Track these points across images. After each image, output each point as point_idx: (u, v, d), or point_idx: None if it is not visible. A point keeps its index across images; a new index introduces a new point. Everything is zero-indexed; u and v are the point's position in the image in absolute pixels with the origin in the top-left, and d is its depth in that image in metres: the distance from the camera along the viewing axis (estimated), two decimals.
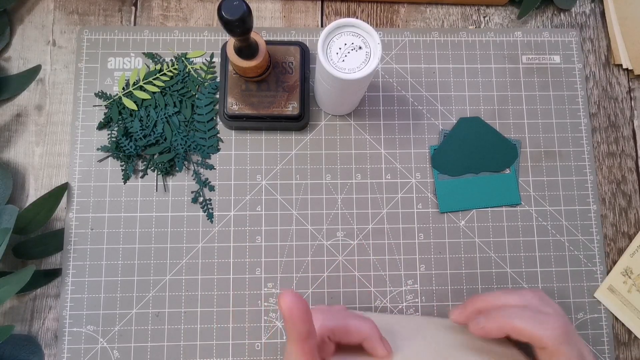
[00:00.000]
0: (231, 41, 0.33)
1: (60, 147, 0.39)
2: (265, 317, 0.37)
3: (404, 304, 0.38)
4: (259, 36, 0.34)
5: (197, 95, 0.39)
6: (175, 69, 0.39)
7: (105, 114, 0.39)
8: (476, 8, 0.43)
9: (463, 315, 0.31)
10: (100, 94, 0.39)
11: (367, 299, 0.37)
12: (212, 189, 0.38)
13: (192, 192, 0.38)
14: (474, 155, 0.39)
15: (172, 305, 0.37)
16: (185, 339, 0.36)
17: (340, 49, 0.31)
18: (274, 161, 0.39)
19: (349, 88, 0.33)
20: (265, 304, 0.37)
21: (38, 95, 0.39)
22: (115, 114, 0.38)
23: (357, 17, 0.42)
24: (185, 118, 0.39)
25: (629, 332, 0.38)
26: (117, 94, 0.39)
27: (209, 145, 0.39)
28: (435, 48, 0.41)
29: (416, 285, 0.38)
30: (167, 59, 0.40)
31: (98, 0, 0.41)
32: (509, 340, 0.30)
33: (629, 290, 0.37)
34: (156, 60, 0.40)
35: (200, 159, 0.39)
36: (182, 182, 0.38)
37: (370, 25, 0.39)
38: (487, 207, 0.39)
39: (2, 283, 0.32)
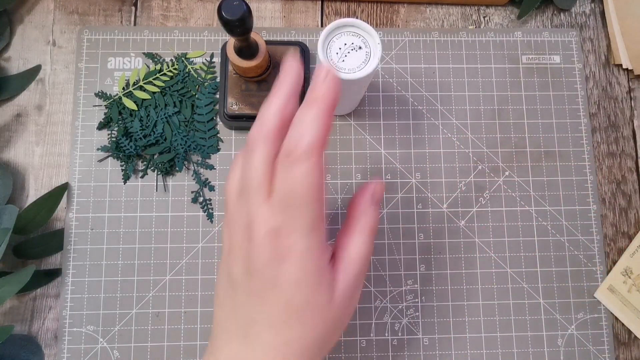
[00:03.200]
0: (231, 41, 0.33)
1: (60, 147, 0.39)
2: None
3: (404, 304, 0.38)
4: (259, 36, 0.34)
5: (197, 95, 0.39)
6: (175, 69, 0.39)
7: (105, 114, 0.39)
8: (476, 8, 0.43)
9: None
10: (100, 94, 0.39)
11: (367, 299, 0.37)
12: (212, 189, 0.38)
13: (192, 192, 0.38)
14: None
15: (172, 305, 0.37)
16: (185, 339, 0.36)
17: (340, 49, 0.31)
18: None
19: (349, 88, 0.33)
20: None
21: (38, 95, 0.39)
22: (115, 114, 0.38)
23: (357, 17, 0.42)
24: (185, 118, 0.39)
25: (629, 332, 0.38)
26: (117, 94, 0.39)
27: (209, 145, 0.39)
28: (435, 48, 0.41)
29: (416, 285, 0.38)
30: (167, 59, 0.40)
31: (98, 0, 0.41)
32: None
33: (629, 290, 0.37)
34: (156, 60, 0.40)
35: (200, 159, 0.39)
36: (182, 182, 0.38)
37: (370, 25, 0.39)
38: None
39: (2, 283, 0.32)
